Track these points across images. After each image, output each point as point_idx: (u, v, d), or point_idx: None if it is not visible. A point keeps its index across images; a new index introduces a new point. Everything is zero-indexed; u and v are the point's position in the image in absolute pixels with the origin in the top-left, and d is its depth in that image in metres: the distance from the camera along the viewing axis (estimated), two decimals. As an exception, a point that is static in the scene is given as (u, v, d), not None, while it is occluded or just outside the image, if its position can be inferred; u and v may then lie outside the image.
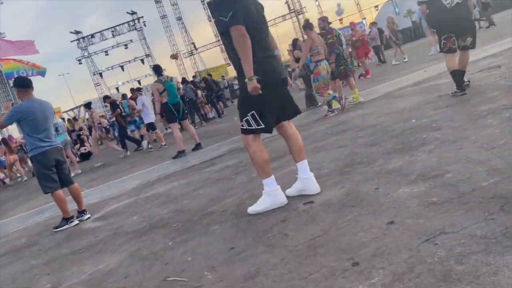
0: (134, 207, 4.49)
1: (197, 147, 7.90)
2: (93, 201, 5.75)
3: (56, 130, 10.09)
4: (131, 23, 40.91)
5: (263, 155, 2.95)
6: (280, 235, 2.46)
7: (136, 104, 11.56)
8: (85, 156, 13.79)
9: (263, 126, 2.90)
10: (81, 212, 4.64)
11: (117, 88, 41.98)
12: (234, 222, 2.95)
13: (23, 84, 4.54)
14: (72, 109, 39.25)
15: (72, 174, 9.90)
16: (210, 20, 40.48)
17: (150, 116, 11.11)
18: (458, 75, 5.16)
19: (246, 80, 2.75)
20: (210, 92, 14.02)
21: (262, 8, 3.05)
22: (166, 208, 3.95)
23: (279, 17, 39.82)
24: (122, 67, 41.52)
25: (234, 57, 2.90)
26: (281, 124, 3.10)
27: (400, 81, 8.61)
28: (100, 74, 42.11)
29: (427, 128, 3.91)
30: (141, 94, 11.68)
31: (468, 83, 5.32)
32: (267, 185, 2.98)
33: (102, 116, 15.48)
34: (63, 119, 14.12)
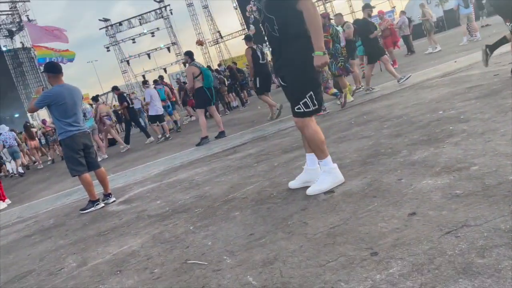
0: (157, 192, 4.58)
1: (221, 135, 7.96)
2: (118, 185, 5.89)
3: (84, 115, 10.35)
4: (158, 11, 41.30)
5: (321, 136, 2.94)
6: (299, 223, 2.46)
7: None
8: (113, 142, 14.08)
9: (318, 106, 2.91)
10: (107, 196, 4.76)
11: (143, 76, 42.61)
12: (254, 209, 2.97)
13: (54, 70, 4.66)
14: (99, 95, 40.02)
15: (99, 159, 10.27)
16: (236, 9, 40.43)
17: (157, 109, 11.23)
18: None
19: (317, 53, 2.70)
20: (234, 80, 14.04)
21: None
22: (189, 194, 4.01)
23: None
24: (148, 55, 42.06)
25: (284, 34, 2.81)
26: None
27: (428, 72, 8.41)
28: (127, 62, 42.81)
29: (454, 119, 3.82)
30: (148, 86, 11.88)
31: None
32: (326, 164, 2.97)
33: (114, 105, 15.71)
34: (91, 105, 14.38)
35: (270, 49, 3.06)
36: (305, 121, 2.91)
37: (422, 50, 15.03)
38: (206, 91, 7.66)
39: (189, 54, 8.00)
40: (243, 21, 39.98)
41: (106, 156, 10.69)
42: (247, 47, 8.70)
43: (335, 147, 4.22)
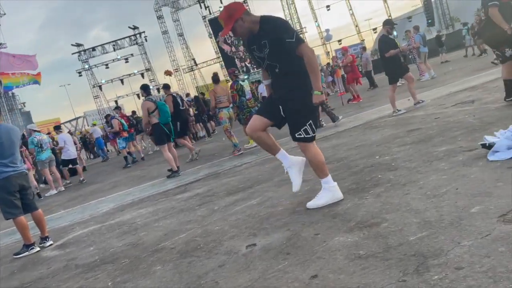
0: (96, 235, 4.48)
1: (173, 173, 7.89)
2: (63, 224, 5.75)
3: (41, 146, 10.17)
4: (133, 38, 41.35)
5: (321, 157, 3.36)
6: (211, 282, 2.45)
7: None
8: (74, 171, 13.77)
9: (315, 133, 3.36)
10: (44, 239, 4.62)
11: (115, 101, 42.26)
12: (177, 263, 2.94)
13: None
14: (69, 121, 39.36)
15: (54, 192, 10.02)
16: (210, 37, 40.96)
17: (70, 153, 11.40)
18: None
19: (316, 92, 3.15)
20: (200, 111, 14.10)
21: None
22: (123, 240, 3.94)
23: (279, 35, 40.13)
24: (121, 80, 41.79)
25: (285, 75, 3.24)
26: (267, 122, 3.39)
27: (383, 109, 8.67)
28: (100, 87, 42.38)
29: (385, 167, 3.93)
30: (61, 131, 12.11)
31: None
32: (327, 183, 3.33)
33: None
34: (49, 133, 14.16)
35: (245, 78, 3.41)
36: (307, 145, 3.33)
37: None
38: (163, 127, 7.59)
39: (144, 88, 7.99)
40: (217, 49, 40.50)
41: (63, 189, 10.43)
42: (166, 95, 9.36)
43: (274, 191, 4.26)
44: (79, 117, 41.48)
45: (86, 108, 49.81)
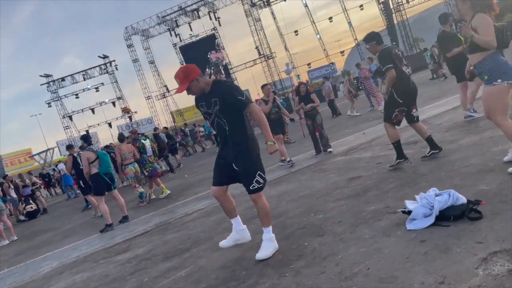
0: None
1: (124, 219, 7.70)
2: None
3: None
4: (103, 67, 41.06)
5: (268, 206, 3.69)
6: None
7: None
8: (32, 215, 13.32)
9: (265, 181, 3.66)
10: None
11: (86, 131, 41.57)
12: None
13: None
14: (39, 153, 38.27)
15: (6, 242, 9.60)
16: (181, 63, 41.05)
17: None
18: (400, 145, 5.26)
19: (269, 143, 3.58)
20: (161, 147, 13.95)
21: None
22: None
23: (250, 61, 40.64)
24: (92, 110, 41.20)
25: (233, 132, 3.56)
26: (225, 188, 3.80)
27: (337, 145, 8.68)
28: (70, 117, 41.69)
29: (315, 229, 3.88)
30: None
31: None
32: (269, 232, 3.65)
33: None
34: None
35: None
36: (259, 195, 3.61)
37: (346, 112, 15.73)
38: (103, 176, 7.42)
39: (85, 139, 7.88)
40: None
41: (16, 238, 9.99)
42: (69, 154, 10.00)
43: (208, 257, 4.15)
44: (50, 149, 40.43)
45: (59, 138, 48.73)
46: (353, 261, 2.97)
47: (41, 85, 40.72)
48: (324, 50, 40.90)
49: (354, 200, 4.42)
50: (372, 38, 5.15)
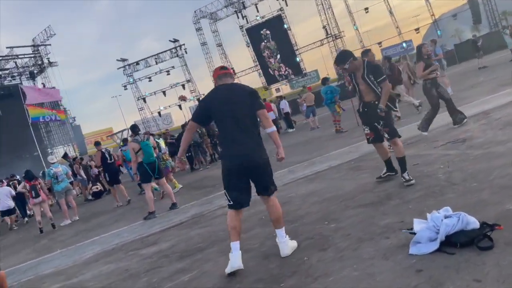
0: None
1: (173, 206, 7.96)
2: (45, 271, 5.94)
3: (56, 178, 10.64)
4: (173, 50, 42.49)
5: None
6: None
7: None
8: (98, 195, 14.30)
9: (231, 202, 3.62)
10: (6, 300, 4.78)
11: (159, 113, 43.65)
12: None
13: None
14: (116, 133, 40.87)
15: (68, 222, 10.38)
16: (248, 46, 41.19)
17: (4, 204, 12.50)
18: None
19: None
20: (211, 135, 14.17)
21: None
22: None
23: (317, 41, 39.57)
24: (164, 92, 43.00)
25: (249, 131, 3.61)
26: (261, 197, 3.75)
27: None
28: (144, 99, 43.91)
29: (321, 242, 3.69)
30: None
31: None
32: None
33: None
34: (73, 160, 14.80)
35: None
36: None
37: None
38: (146, 166, 7.71)
39: (132, 129, 8.14)
40: (255, 57, 40.71)
41: (77, 218, 10.79)
42: (97, 150, 11.43)
43: (215, 261, 4.13)
44: (126, 129, 42.95)
45: (136, 118, 51.63)
46: (341, 287, 2.76)
47: (117, 68, 43.22)
48: (397, 27, 38.58)
49: (372, 209, 4.12)
50: (348, 56, 4.88)
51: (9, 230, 12.55)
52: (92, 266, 5.55)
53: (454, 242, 2.76)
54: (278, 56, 39.66)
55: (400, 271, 2.71)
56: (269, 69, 40.22)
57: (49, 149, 38.99)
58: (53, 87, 38.00)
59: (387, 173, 5.06)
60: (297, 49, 39.12)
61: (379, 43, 39.07)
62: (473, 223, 2.81)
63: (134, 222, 7.87)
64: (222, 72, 3.82)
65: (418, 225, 3.05)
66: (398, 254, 2.97)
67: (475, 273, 2.41)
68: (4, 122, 34.08)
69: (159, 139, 10.54)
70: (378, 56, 40.42)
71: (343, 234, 3.71)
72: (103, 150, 11.37)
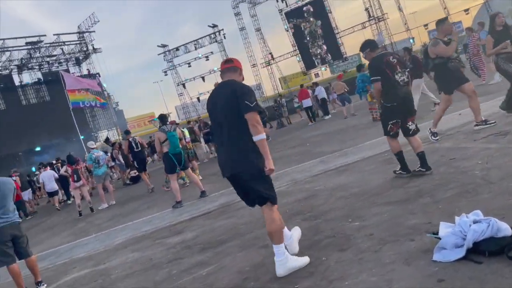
0: (79, 283, 4.71)
1: (202, 194, 8.00)
2: (79, 255, 6.15)
3: (98, 162, 10.98)
4: (212, 36, 42.60)
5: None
6: None
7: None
8: (135, 179, 14.67)
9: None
10: (38, 284, 4.97)
11: (198, 98, 44.12)
12: None
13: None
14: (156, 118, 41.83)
15: (105, 206, 10.69)
16: (287, 31, 40.55)
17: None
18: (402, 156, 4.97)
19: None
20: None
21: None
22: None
23: (358, 24, 38.34)
24: (203, 78, 43.36)
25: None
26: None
27: (426, 126, 7.75)
28: (183, 85, 44.50)
29: (341, 242, 3.54)
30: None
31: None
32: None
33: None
34: (112, 144, 15.15)
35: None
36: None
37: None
38: (171, 157, 7.72)
39: (161, 119, 8.17)
40: (294, 42, 40.05)
41: (114, 202, 11.10)
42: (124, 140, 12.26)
43: (233, 255, 4.08)
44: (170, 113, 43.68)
45: (177, 103, 52.51)
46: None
47: (158, 54, 43.93)
48: (445, 8, 36.63)
49: (400, 208, 3.89)
50: (366, 45, 5.06)
51: (56, 211, 13.20)
52: (120, 253, 5.67)
53: (482, 250, 2.54)
54: (318, 40, 38.79)
55: (420, 280, 2.53)
56: (309, 54, 39.43)
57: (93, 133, 40.61)
58: (97, 73, 39.51)
59: (420, 169, 4.80)
60: (338, 33, 38.10)
61: (425, 25, 37.36)
62: (505, 230, 2.56)
63: (165, 209, 7.99)
64: (224, 67, 3.46)
65: (444, 229, 2.83)
66: (420, 260, 2.77)
67: (502, 287, 2.19)
68: (52, 106, 35.88)
69: (183, 129, 10.98)
70: (425, 39, 38.64)
71: (366, 233, 3.53)
72: (130, 139, 12.01)
